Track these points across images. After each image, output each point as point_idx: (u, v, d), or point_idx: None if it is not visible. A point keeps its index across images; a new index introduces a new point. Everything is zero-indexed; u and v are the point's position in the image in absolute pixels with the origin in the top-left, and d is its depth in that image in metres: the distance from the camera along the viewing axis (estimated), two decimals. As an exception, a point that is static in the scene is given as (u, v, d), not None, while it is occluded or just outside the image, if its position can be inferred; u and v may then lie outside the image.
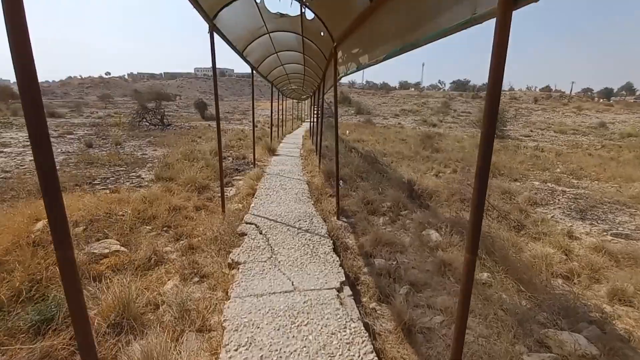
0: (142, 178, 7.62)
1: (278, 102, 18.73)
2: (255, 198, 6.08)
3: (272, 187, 6.92)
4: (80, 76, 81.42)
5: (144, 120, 19.39)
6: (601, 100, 51.98)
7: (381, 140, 17.90)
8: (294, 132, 22.62)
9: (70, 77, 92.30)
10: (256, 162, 9.64)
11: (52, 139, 3.38)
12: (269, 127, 24.64)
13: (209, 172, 7.79)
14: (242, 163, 9.72)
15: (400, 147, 15.32)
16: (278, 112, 19.13)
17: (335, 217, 5.37)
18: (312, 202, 6.04)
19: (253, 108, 11.51)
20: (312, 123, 25.64)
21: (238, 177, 8.14)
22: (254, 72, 9.26)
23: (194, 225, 4.69)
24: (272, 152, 11.58)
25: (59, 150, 11.04)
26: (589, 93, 79.30)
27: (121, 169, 8.55)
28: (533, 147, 17.05)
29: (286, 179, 7.84)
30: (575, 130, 24.94)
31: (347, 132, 20.75)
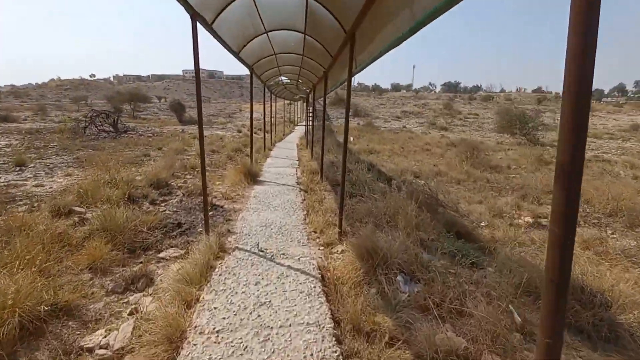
0: None
1: (270, 103, 14.37)
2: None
3: (238, 317, 2.46)
4: (59, 77, 75.09)
5: (93, 126, 14.62)
6: (603, 101, 48.97)
7: (398, 150, 13.57)
8: (285, 138, 18.13)
9: (53, 80, 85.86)
10: (221, 206, 5.19)
11: None
12: (255, 132, 20.13)
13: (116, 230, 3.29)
14: (193, 208, 5.21)
15: (431, 162, 11.00)
16: (270, 115, 14.65)
17: None
18: None
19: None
20: (307, 127, 21.27)
21: (171, 256, 3.63)
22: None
23: None
24: (252, 178, 7.07)
25: None
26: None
27: None
28: (592, 157, 12.92)
29: (275, 270, 3.33)
30: (610, 134, 21.07)
31: (352, 138, 16.36)
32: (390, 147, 14.28)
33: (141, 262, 3.39)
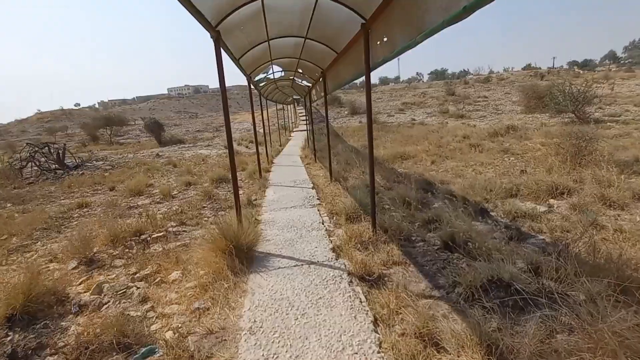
0: None
1: (261, 110, 10.89)
2: None
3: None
4: (39, 110, 70.94)
5: (33, 164, 10.89)
6: (610, 69, 45.85)
7: (435, 150, 9.96)
8: (284, 150, 14.42)
9: (39, 112, 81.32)
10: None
11: None
12: (247, 146, 16.23)
13: None
14: None
15: (503, 165, 7.40)
16: (263, 124, 11.09)
17: None
18: None
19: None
20: (307, 132, 17.60)
21: None
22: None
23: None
24: (244, 256, 3.35)
25: None
26: (575, 67, 73.47)
27: None
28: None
29: None
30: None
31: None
32: (421, 146, 10.67)
33: None
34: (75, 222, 5.67)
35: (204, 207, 5.83)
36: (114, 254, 3.90)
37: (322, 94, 7.27)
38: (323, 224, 4.47)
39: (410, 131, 15.53)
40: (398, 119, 25.16)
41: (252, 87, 7.43)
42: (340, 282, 2.88)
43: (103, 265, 3.70)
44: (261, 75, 7.90)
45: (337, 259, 3.36)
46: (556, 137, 10.01)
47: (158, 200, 6.78)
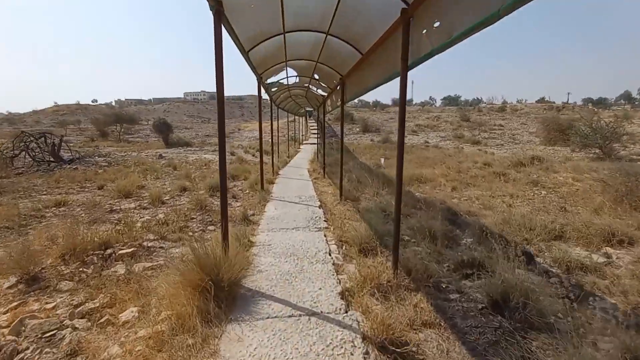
0: None
1: (271, 120, 10.26)
2: None
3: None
4: (56, 103, 72.10)
5: (26, 153, 10.29)
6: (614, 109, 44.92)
7: (455, 176, 9.10)
8: (291, 161, 13.67)
9: (56, 105, 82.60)
10: None
11: None
12: (254, 154, 15.32)
13: None
14: None
15: (548, 205, 6.50)
16: (272, 133, 10.42)
17: None
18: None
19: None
20: (317, 145, 16.90)
21: None
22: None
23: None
24: (225, 298, 2.51)
25: None
26: (589, 104, 72.41)
27: None
28: None
29: None
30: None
31: (383, 160, 11.91)
32: (440, 170, 9.82)
33: None
34: (45, 223, 4.90)
35: (193, 218, 5.02)
36: (65, 272, 3.08)
37: (339, 102, 6.53)
38: (330, 254, 3.61)
39: (425, 153, 14.72)
40: (411, 140, 24.45)
41: (262, 89, 6.74)
42: (351, 354, 2.01)
43: (47, 286, 2.88)
44: (273, 79, 7.23)
45: (347, 311, 2.50)
46: (587, 172, 9.12)
47: (145, 205, 6.00)
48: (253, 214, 5.20)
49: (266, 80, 6.77)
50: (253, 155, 16.22)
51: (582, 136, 13.01)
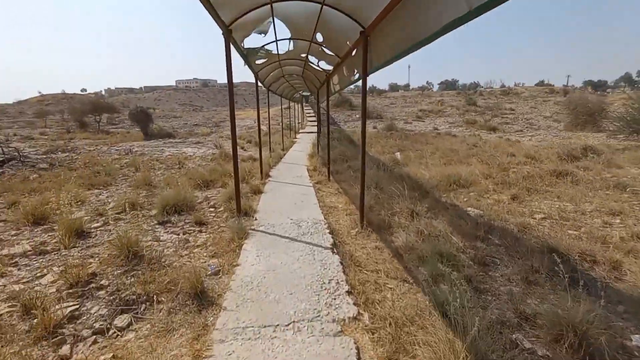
0: None
1: (269, 106, 7.84)
2: None
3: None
4: (40, 93, 68.21)
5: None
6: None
7: (498, 174, 6.80)
8: (286, 156, 11.23)
9: (40, 95, 78.54)
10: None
11: None
12: (242, 147, 12.54)
13: None
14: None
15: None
16: (258, 121, 7.96)
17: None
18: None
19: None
20: (318, 135, 14.34)
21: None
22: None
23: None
24: None
25: None
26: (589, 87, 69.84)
27: None
28: None
29: None
30: None
31: (399, 154, 9.57)
32: (478, 167, 7.51)
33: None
34: None
35: (101, 287, 2.71)
36: None
37: (355, 74, 4.14)
38: None
39: (445, 143, 12.37)
40: (417, 126, 22.06)
41: (244, 62, 4.33)
42: None
43: None
44: (255, 41, 4.77)
45: None
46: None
47: (52, 245, 3.67)
48: (218, 272, 2.89)
49: (242, 38, 4.31)
50: (242, 148, 13.78)
51: (633, 121, 10.74)
